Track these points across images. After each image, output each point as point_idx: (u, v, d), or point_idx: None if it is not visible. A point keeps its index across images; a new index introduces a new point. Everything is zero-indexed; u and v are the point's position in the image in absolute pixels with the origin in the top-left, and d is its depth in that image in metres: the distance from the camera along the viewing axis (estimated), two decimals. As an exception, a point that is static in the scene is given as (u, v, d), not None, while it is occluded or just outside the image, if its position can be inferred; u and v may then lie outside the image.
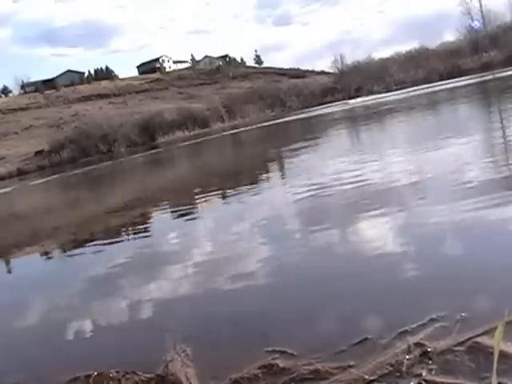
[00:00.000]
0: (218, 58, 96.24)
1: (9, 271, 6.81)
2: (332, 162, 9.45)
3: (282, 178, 9.44)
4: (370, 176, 6.84)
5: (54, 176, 32.19)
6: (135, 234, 7.19)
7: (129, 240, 6.84)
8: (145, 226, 7.73)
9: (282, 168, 11.08)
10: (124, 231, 7.57)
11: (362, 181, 6.60)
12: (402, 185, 5.86)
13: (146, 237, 6.80)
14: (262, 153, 16.35)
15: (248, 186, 8.93)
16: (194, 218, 7.36)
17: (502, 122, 9.61)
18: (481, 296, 2.66)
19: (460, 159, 6.63)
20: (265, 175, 10.32)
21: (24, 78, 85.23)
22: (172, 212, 8.62)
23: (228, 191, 8.97)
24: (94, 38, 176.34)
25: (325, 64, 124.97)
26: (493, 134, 8.64)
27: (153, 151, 36.38)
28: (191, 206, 8.44)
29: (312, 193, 6.68)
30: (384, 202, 5.16)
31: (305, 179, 8.09)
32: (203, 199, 8.70)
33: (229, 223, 6.15)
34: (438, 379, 2.07)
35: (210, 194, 9.00)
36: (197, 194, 9.57)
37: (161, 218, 8.04)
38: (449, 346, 2.27)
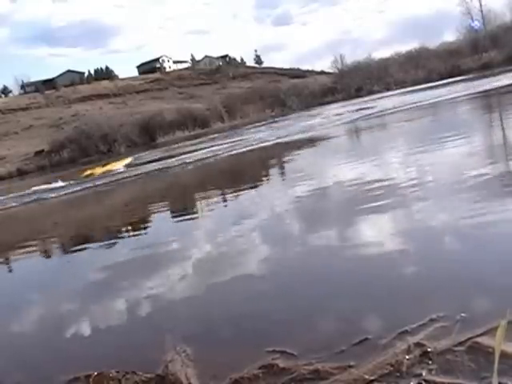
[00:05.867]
0: (218, 58, 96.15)
1: (8, 271, 6.80)
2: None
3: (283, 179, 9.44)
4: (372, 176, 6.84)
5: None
6: (134, 232, 7.18)
7: (128, 239, 6.82)
8: (144, 224, 7.72)
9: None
10: (122, 229, 7.56)
11: (362, 180, 6.59)
12: (402, 185, 5.85)
13: (146, 236, 6.78)
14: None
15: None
16: (193, 217, 7.35)
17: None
18: (481, 296, 2.66)
19: (461, 159, 6.63)
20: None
21: (24, 77, 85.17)
22: (171, 210, 8.61)
23: (226, 191, 8.97)
24: (93, 37, 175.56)
25: (325, 64, 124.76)
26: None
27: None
28: (190, 205, 8.44)
29: (313, 192, 6.68)
30: (385, 202, 5.16)
31: (305, 179, 8.09)
32: (203, 198, 8.69)
33: (228, 222, 6.14)
34: (438, 379, 2.07)
35: (209, 192, 8.99)
36: (198, 192, 9.57)
37: (160, 216, 8.03)
38: (449, 346, 2.27)
